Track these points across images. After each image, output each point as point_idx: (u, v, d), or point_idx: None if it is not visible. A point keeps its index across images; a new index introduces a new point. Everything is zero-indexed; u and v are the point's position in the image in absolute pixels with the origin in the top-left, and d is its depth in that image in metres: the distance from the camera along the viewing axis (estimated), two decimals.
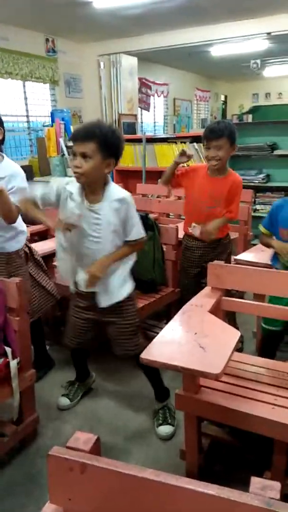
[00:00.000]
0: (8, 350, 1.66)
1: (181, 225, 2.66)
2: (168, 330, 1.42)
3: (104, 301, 1.77)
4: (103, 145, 1.57)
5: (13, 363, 1.66)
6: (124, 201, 1.67)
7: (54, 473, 0.80)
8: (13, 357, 1.67)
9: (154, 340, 1.35)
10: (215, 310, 1.62)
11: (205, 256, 2.33)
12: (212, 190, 2.26)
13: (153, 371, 1.92)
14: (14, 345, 1.68)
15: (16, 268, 2.07)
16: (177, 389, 1.47)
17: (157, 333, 1.41)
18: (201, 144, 4.48)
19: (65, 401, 2.10)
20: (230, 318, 2.38)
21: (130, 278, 1.84)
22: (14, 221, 1.98)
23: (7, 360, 1.65)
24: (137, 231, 1.74)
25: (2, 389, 1.65)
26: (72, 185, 1.70)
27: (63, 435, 1.90)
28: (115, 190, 1.69)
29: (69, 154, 4.93)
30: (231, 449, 1.72)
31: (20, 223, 2.10)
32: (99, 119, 1.73)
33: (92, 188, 1.68)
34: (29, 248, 2.19)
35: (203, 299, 1.66)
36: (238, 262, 2.29)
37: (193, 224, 2.30)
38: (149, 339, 2.21)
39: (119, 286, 1.78)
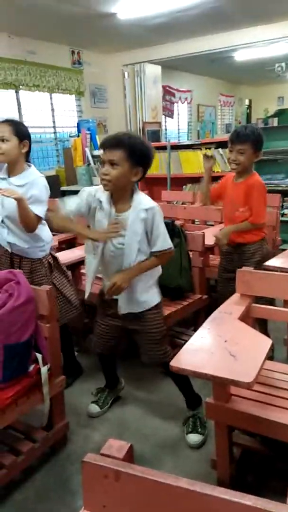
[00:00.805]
0: (39, 356, 1.69)
1: (207, 231, 2.66)
2: (197, 337, 1.41)
3: (124, 309, 1.79)
4: (131, 153, 1.59)
5: (44, 369, 1.69)
6: (151, 211, 1.68)
7: (88, 480, 0.81)
8: (44, 364, 1.70)
9: (184, 347, 1.35)
10: (245, 317, 1.60)
11: (236, 262, 2.32)
12: (233, 195, 2.28)
13: (183, 379, 1.91)
14: (44, 351, 1.71)
15: (40, 278, 2.11)
16: (208, 398, 1.46)
17: (185, 340, 1.40)
18: (226, 150, 4.48)
19: (94, 408, 2.11)
20: (261, 325, 2.34)
21: (157, 288, 1.85)
22: (33, 230, 2.03)
23: (38, 366, 1.68)
24: (163, 242, 1.73)
25: (33, 395, 1.68)
26: (102, 193, 1.72)
27: (92, 442, 1.91)
28: (143, 200, 1.71)
29: (94, 164, 5.01)
30: (262, 459, 1.69)
31: (45, 233, 2.16)
32: (129, 129, 1.77)
33: (120, 196, 1.70)
34: (54, 258, 2.23)
35: (232, 306, 1.64)
36: (267, 268, 2.26)
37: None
38: (177, 346, 2.22)
39: (143, 296, 1.79)
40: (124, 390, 2.28)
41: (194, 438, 1.86)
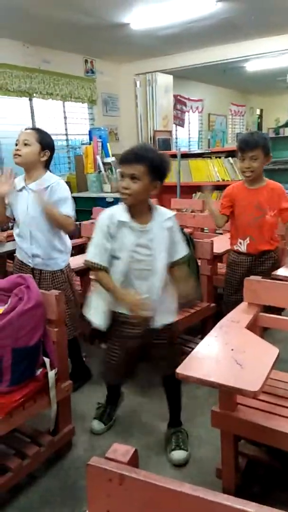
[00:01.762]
0: (46, 360, 1.71)
1: (216, 240, 2.66)
2: (204, 345, 1.42)
3: (160, 320, 1.75)
4: (151, 168, 1.60)
5: (51, 374, 1.71)
6: (173, 219, 1.73)
7: (93, 483, 0.81)
8: (51, 368, 1.71)
9: (190, 355, 1.35)
10: (252, 326, 1.60)
11: (254, 270, 2.32)
12: (257, 200, 2.26)
13: (176, 395, 1.91)
14: (52, 356, 1.73)
15: (59, 287, 2.16)
16: (214, 406, 1.46)
17: (192, 348, 1.41)
18: (235, 159, 4.49)
19: (99, 426, 2.04)
20: None
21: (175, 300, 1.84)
22: (72, 231, 2.13)
23: (46, 370, 1.70)
24: (184, 246, 1.79)
25: (40, 399, 1.69)
26: (119, 214, 1.67)
27: (98, 447, 1.91)
28: (163, 210, 1.75)
29: (105, 171, 5.06)
30: (268, 469, 1.67)
31: (67, 242, 2.22)
32: (146, 142, 1.80)
33: (138, 210, 1.68)
34: (71, 270, 2.29)
35: (240, 315, 1.64)
36: (275, 277, 2.25)
37: (239, 240, 2.37)
38: (184, 354, 2.21)
39: (172, 306, 1.80)
40: (130, 397, 2.28)
41: (178, 454, 1.81)
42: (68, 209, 2.10)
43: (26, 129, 2.14)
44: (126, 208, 1.68)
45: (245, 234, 2.33)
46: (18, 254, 2.25)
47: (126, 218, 1.66)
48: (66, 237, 2.23)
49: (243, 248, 2.36)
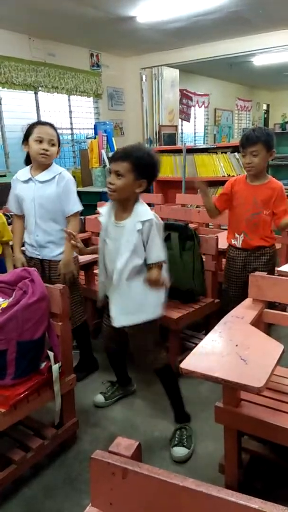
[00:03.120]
0: (50, 354, 1.71)
1: (221, 235, 2.65)
2: (208, 340, 1.41)
3: (117, 321, 1.81)
4: (136, 165, 1.65)
5: (55, 367, 1.71)
6: (148, 223, 1.69)
7: (96, 477, 0.82)
8: (55, 361, 1.72)
9: (194, 350, 1.35)
10: (257, 322, 1.60)
11: (248, 266, 2.31)
12: (256, 197, 2.24)
13: (172, 389, 1.92)
14: (56, 349, 1.73)
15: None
16: (217, 402, 1.46)
17: (196, 344, 1.40)
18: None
19: (100, 399, 2.18)
20: None
21: (156, 305, 1.81)
22: (78, 224, 2.20)
23: (50, 364, 1.70)
24: (158, 254, 1.72)
25: (44, 392, 1.70)
26: (105, 206, 1.82)
27: (102, 441, 1.92)
28: (142, 211, 1.72)
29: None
30: (271, 466, 1.67)
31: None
32: (140, 142, 1.83)
33: (123, 206, 1.75)
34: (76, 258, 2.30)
35: (244, 311, 1.64)
36: (281, 273, 2.24)
37: (236, 235, 2.33)
38: (188, 349, 2.21)
39: (136, 308, 1.78)
40: (136, 392, 2.29)
41: (179, 451, 1.82)
42: (75, 205, 2.15)
43: (42, 123, 2.14)
44: (111, 203, 1.78)
45: (240, 230, 2.30)
46: (26, 251, 2.28)
47: (105, 211, 1.79)
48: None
49: (238, 243, 2.34)
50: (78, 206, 2.17)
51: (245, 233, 2.29)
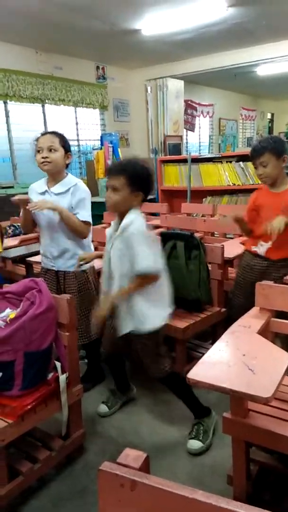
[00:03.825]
0: (58, 364, 1.72)
1: (227, 244, 2.65)
2: (215, 350, 1.41)
3: (121, 327, 1.82)
4: (131, 179, 1.68)
5: (62, 378, 1.71)
6: (128, 230, 1.71)
7: (104, 488, 0.81)
8: (62, 372, 1.72)
9: (201, 360, 1.35)
10: (264, 332, 1.59)
11: (267, 276, 2.23)
12: (278, 204, 2.18)
13: (182, 392, 1.93)
14: (63, 360, 1.74)
15: (83, 286, 2.22)
16: (225, 413, 1.45)
17: (202, 353, 1.40)
18: (247, 163, 4.47)
19: (103, 409, 2.18)
20: (283, 342, 2.29)
21: (157, 316, 1.80)
22: (85, 236, 2.14)
23: (57, 374, 1.71)
24: (140, 265, 1.67)
25: (51, 403, 1.70)
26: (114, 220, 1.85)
27: (109, 452, 1.91)
28: (127, 221, 1.73)
29: None
30: (280, 477, 1.65)
31: (89, 243, 2.25)
32: (135, 156, 1.86)
33: (120, 219, 1.78)
34: (93, 268, 2.30)
35: (251, 320, 1.63)
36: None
37: (261, 242, 2.28)
38: (194, 359, 2.20)
39: (132, 316, 1.78)
40: (142, 401, 2.28)
41: (194, 444, 1.88)
42: (85, 214, 2.11)
43: (43, 134, 2.12)
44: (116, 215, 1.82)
45: (268, 238, 2.22)
46: (42, 262, 2.30)
47: (112, 224, 1.82)
48: (87, 238, 2.23)
49: (261, 250, 2.29)
50: (86, 217, 2.13)
51: (274, 242, 2.24)
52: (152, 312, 1.78)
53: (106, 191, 1.76)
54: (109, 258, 1.83)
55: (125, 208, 1.74)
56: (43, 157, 2.04)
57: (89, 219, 2.14)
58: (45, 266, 2.27)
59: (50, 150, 2.04)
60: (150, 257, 1.69)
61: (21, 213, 2.18)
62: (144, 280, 1.71)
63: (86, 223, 2.12)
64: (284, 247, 2.23)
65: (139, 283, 1.72)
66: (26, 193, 2.24)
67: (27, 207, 2.02)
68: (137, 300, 1.76)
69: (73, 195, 2.09)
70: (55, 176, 2.13)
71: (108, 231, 1.86)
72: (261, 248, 2.29)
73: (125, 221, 1.73)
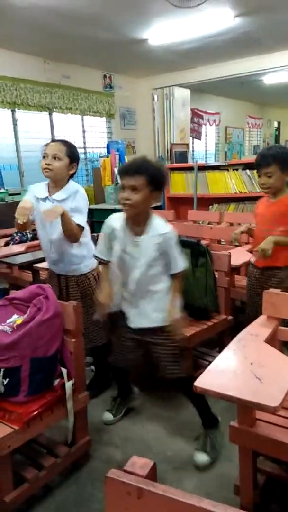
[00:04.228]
0: (64, 371, 1.72)
1: (234, 252, 2.65)
2: (223, 358, 1.40)
3: (135, 323, 1.85)
4: (151, 179, 1.68)
5: (68, 384, 1.71)
6: (167, 235, 1.74)
7: (111, 496, 0.81)
8: (68, 378, 1.72)
9: (208, 368, 1.34)
10: (271, 340, 1.58)
11: (263, 284, 2.24)
12: (269, 212, 2.22)
13: (199, 399, 1.90)
14: (69, 366, 1.74)
15: (86, 290, 2.22)
16: (232, 421, 1.44)
17: (209, 361, 1.39)
18: (254, 171, 4.47)
19: (108, 416, 2.17)
20: None
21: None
22: (77, 240, 2.12)
23: (63, 381, 1.70)
24: (181, 263, 1.82)
25: (57, 409, 1.69)
26: (116, 221, 1.82)
27: (114, 460, 1.90)
28: (158, 225, 1.76)
29: None
30: (287, 487, 1.63)
31: (89, 247, 2.24)
32: (145, 155, 1.85)
33: (137, 221, 1.77)
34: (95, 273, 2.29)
35: (259, 328, 1.63)
36: None
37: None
38: (201, 367, 2.19)
39: (155, 313, 1.82)
40: (147, 409, 2.27)
41: (200, 457, 1.85)
42: (81, 218, 2.10)
43: (53, 141, 2.15)
44: (125, 218, 1.79)
45: (256, 246, 2.27)
46: (47, 263, 2.34)
47: (119, 227, 1.80)
48: (88, 243, 2.24)
49: (253, 259, 2.33)
50: (81, 221, 2.10)
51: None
52: (164, 309, 1.83)
53: (121, 191, 1.72)
54: (125, 261, 1.81)
55: (145, 208, 1.73)
56: (46, 164, 2.07)
57: (84, 224, 2.13)
58: (49, 267, 2.31)
59: (55, 158, 2.06)
60: (182, 257, 1.84)
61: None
62: (180, 277, 1.85)
63: (80, 227, 2.10)
64: (281, 255, 2.18)
65: (179, 281, 1.85)
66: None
67: (44, 218, 2.04)
68: (163, 296, 1.82)
69: (72, 200, 2.11)
70: (57, 183, 2.14)
71: (116, 241, 1.82)
72: (254, 256, 2.32)
73: (157, 226, 1.76)
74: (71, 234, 2.08)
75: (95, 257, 1.97)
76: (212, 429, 1.93)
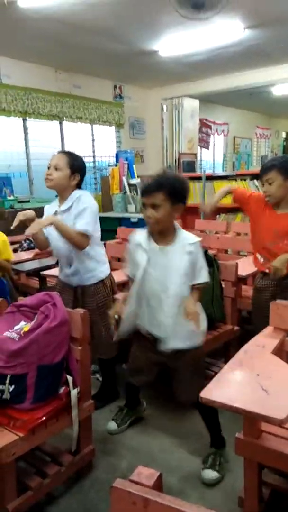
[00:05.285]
0: (69, 378, 1.72)
1: (241, 262, 2.64)
2: (229, 369, 1.40)
3: (170, 344, 1.79)
4: (170, 193, 1.68)
5: (74, 392, 1.71)
6: (197, 245, 1.75)
7: (116, 506, 0.81)
8: (74, 386, 1.72)
9: (214, 379, 1.33)
10: (279, 352, 1.57)
11: (277, 297, 2.21)
12: (277, 227, 2.18)
13: (212, 415, 1.89)
14: (75, 374, 1.74)
15: (102, 299, 2.21)
16: (238, 433, 1.42)
17: (215, 372, 1.39)
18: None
19: (113, 426, 2.16)
20: None
21: (203, 331, 1.84)
22: (83, 247, 2.09)
23: (68, 389, 1.70)
24: (206, 274, 1.80)
25: (62, 417, 1.69)
26: (140, 236, 1.81)
27: (118, 470, 1.88)
28: (187, 235, 1.78)
29: (130, 192, 5.15)
30: None
31: (100, 252, 2.24)
32: (165, 168, 1.86)
33: (163, 233, 1.77)
34: (111, 278, 2.30)
35: (265, 340, 1.62)
36: None
37: (257, 255, 2.30)
38: (207, 378, 2.17)
39: (189, 333, 1.78)
40: (152, 419, 2.25)
41: (210, 474, 1.81)
42: (82, 223, 2.04)
43: (58, 152, 2.18)
44: (147, 232, 1.79)
45: (261, 253, 2.27)
46: (60, 276, 2.32)
47: (143, 241, 1.78)
48: (99, 248, 2.24)
49: (261, 261, 2.30)
50: (83, 226, 2.03)
51: (265, 258, 2.25)
52: (194, 332, 1.77)
53: (143, 209, 1.73)
54: (151, 276, 1.76)
55: (169, 222, 1.74)
56: (47, 174, 2.10)
57: (87, 228, 2.04)
58: (64, 280, 2.27)
59: (56, 169, 2.09)
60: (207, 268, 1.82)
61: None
62: (201, 290, 1.81)
63: (83, 233, 2.04)
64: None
65: (200, 293, 1.81)
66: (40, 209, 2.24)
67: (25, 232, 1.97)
68: (186, 322, 1.72)
69: (76, 207, 2.10)
70: (61, 195, 2.16)
71: (139, 253, 1.78)
72: (260, 259, 2.29)
73: (185, 236, 1.76)
74: (72, 242, 2.05)
75: (129, 277, 1.89)
76: (221, 449, 1.91)
